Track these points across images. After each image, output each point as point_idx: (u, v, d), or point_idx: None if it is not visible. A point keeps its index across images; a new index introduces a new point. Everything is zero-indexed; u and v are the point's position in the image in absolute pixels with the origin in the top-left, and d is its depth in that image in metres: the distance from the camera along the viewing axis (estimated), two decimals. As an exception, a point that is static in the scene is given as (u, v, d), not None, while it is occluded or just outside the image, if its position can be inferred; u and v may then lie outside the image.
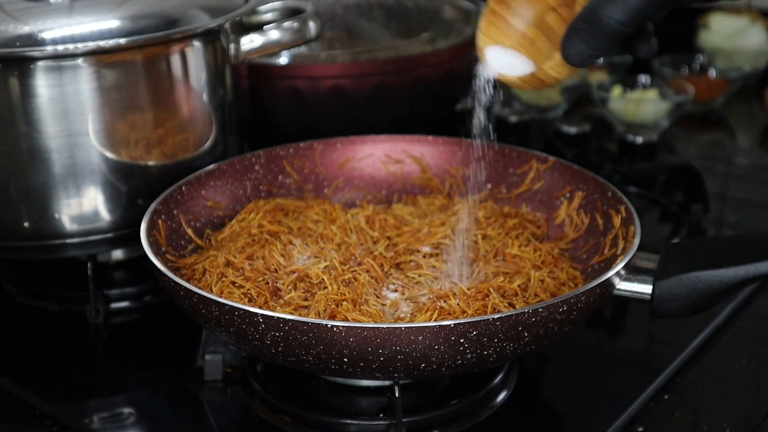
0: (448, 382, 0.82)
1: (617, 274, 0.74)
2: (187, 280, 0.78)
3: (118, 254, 1.03)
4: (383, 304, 0.78)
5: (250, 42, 0.99)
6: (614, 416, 0.78)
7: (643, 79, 1.48)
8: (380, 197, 1.01)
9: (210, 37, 0.94)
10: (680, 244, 0.81)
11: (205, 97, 0.95)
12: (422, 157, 1.00)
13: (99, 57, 0.86)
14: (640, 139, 1.27)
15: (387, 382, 0.77)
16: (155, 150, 0.92)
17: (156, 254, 0.78)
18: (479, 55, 0.73)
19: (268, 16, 1.07)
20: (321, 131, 1.16)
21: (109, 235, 0.92)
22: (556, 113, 1.49)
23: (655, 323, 0.89)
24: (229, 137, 1.00)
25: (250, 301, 0.78)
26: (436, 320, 0.73)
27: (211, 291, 0.79)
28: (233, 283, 0.79)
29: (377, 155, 1.01)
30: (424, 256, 0.85)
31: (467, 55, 1.29)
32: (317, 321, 0.66)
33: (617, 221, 0.84)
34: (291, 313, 0.74)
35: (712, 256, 0.77)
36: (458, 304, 0.75)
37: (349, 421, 0.78)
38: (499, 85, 0.75)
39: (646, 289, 0.77)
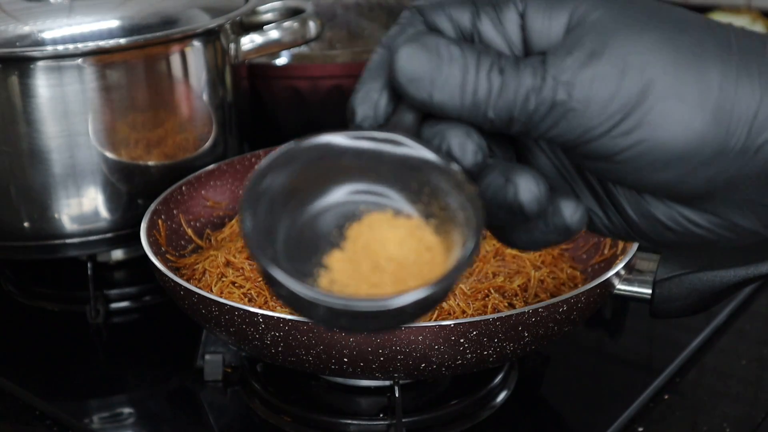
0: (448, 382, 0.82)
1: (617, 274, 0.74)
2: (187, 280, 0.78)
3: (118, 254, 1.03)
4: (383, 304, 0.78)
5: (250, 42, 0.99)
6: (614, 416, 0.78)
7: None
8: (380, 197, 1.00)
9: (210, 37, 0.94)
10: (680, 244, 0.80)
11: (205, 97, 0.95)
12: (422, 157, 1.00)
13: (99, 57, 0.85)
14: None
15: (387, 382, 0.77)
16: (155, 150, 0.92)
17: (156, 254, 0.77)
18: None
19: (268, 16, 1.06)
20: (321, 131, 1.16)
21: (109, 235, 0.92)
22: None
23: (655, 323, 0.89)
24: (229, 137, 1.00)
25: (250, 301, 0.78)
26: (435, 320, 0.73)
27: (211, 291, 0.78)
28: (233, 283, 0.79)
29: (377, 155, 1.01)
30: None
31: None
32: (317, 321, 0.66)
33: (617, 221, 0.84)
34: (291, 313, 0.74)
35: (713, 256, 0.77)
36: (458, 304, 0.75)
37: (349, 421, 0.77)
38: None
39: (646, 289, 0.76)
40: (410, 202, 0.42)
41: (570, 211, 0.41)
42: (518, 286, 0.78)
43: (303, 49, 1.18)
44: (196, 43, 0.92)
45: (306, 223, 0.42)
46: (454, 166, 0.40)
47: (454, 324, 0.65)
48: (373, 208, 0.42)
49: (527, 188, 0.40)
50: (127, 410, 0.82)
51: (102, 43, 0.85)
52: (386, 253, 0.40)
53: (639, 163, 0.39)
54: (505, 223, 0.43)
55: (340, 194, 0.43)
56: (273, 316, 0.67)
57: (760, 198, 0.41)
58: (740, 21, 1.65)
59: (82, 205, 0.90)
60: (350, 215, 0.42)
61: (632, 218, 0.43)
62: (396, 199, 0.42)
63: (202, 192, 0.92)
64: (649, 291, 0.76)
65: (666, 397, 0.83)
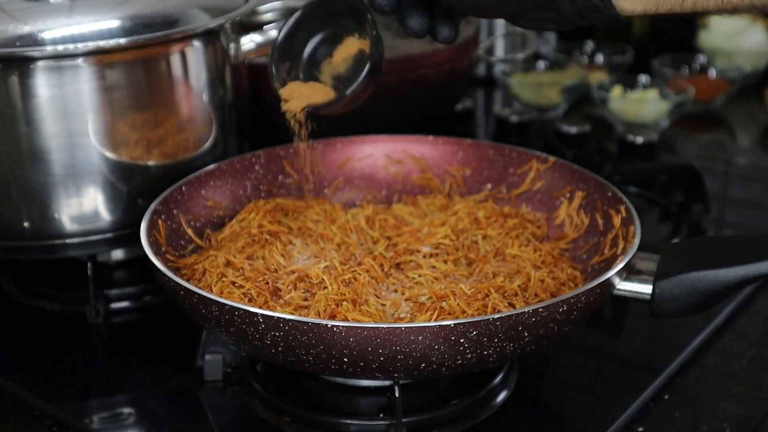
0: (448, 382, 0.82)
1: (617, 274, 0.74)
2: (187, 280, 0.78)
3: (118, 254, 1.03)
4: (383, 304, 0.78)
5: (250, 42, 0.99)
6: (614, 416, 0.78)
7: (643, 79, 1.48)
8: (380, 197, 1.00)
9: (210, 37, 0.94)
10: (680, 244, 0.80)
11: (205, 97, 0.95)
12: (422, 157, 1.00)
13: (99, 57, 0.86)
14: (640, 139, 1.27)
15: (387, 382, 0.77)
16: (155, 150, 0.92)
17: (156, 254, 0.78)
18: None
19: (268, 16, 1.06)
20: (321, 131, 1.15)
21: (109, 235, 0.92)
22: (556, 113, 1.49)
23: (655, 323, 0.89)
24: (229, 137, 1.00)
25: (250, 301, 0.78)
26: (436, 320, 0.73)
27: (211, 291, 0.78)
28: (233, 283, 0.79)
29: (377, 155, 1.01)
30: (424, 256, 0.85)
31: (467, 55, 1.29)
32: (317, 321, 0.66)
33: (617, 221, 0.84)
34: (291, 313, 0.74)
35: (712, 256, 0.77)
36: (458, 304, 0.75)
37: (349, 421, 0.77)
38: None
39: (646, 289, 0.76)
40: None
41: (444, 32, 0.77)
42: (518, 286, 0.78)
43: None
44: (196, 43, 0.92)
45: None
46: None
47: (454, 324, 0.66)
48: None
49: (414, 23, 0.75)
50: (127, 410, 0.82)
51: (102, 43, 0.85)
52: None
53: None
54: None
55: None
56: (273, 316, 0.67)
57: None
58: (740, 20, 1.65)
59: (82, 205, 0.90)
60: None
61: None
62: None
63: (202, 192, 0.92)
64: (649, 291, 0.76)
65: (666, 397, 0.83)
